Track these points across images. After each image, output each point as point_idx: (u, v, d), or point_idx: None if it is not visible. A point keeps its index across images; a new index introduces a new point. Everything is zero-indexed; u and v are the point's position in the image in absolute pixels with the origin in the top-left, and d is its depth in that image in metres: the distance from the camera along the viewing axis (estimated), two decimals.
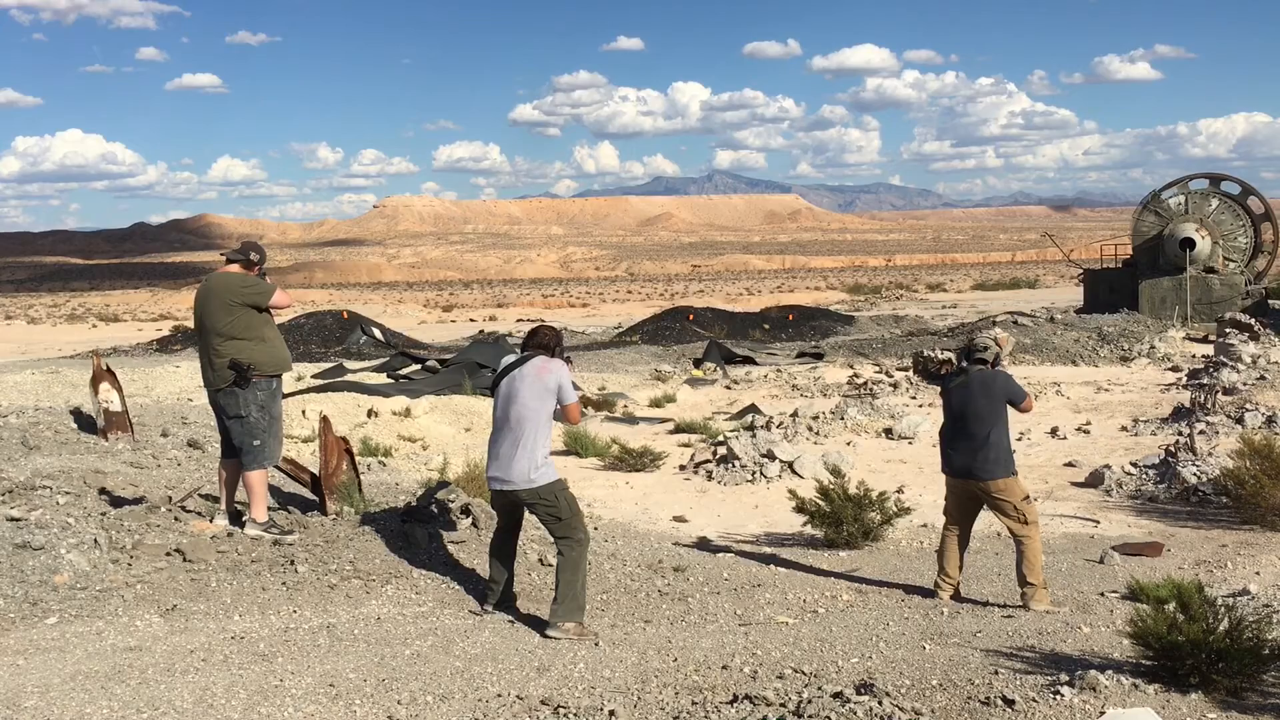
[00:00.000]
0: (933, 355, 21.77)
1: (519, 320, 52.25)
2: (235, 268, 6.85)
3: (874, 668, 5.06)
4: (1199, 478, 10.83)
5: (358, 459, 8.68)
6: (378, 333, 36.69)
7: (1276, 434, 11.88)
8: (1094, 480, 11.72)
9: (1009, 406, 7.05)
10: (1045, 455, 13.73)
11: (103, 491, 7.56)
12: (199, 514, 6.97)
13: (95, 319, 60.61)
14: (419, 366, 23.92)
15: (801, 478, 12.05)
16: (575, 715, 4.41)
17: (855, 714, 4.10)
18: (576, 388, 6.32)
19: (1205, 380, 18.81)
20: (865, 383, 20.75)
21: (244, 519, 6.77)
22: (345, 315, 38.54)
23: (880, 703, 4.22)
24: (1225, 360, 21.23)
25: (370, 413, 15.70)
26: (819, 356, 29.18)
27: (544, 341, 6.16)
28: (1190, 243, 33.36)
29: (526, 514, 6.19)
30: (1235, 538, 9.14)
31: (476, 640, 5.54)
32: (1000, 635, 5.84)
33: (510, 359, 6.22)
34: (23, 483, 7.25)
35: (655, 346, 33.00)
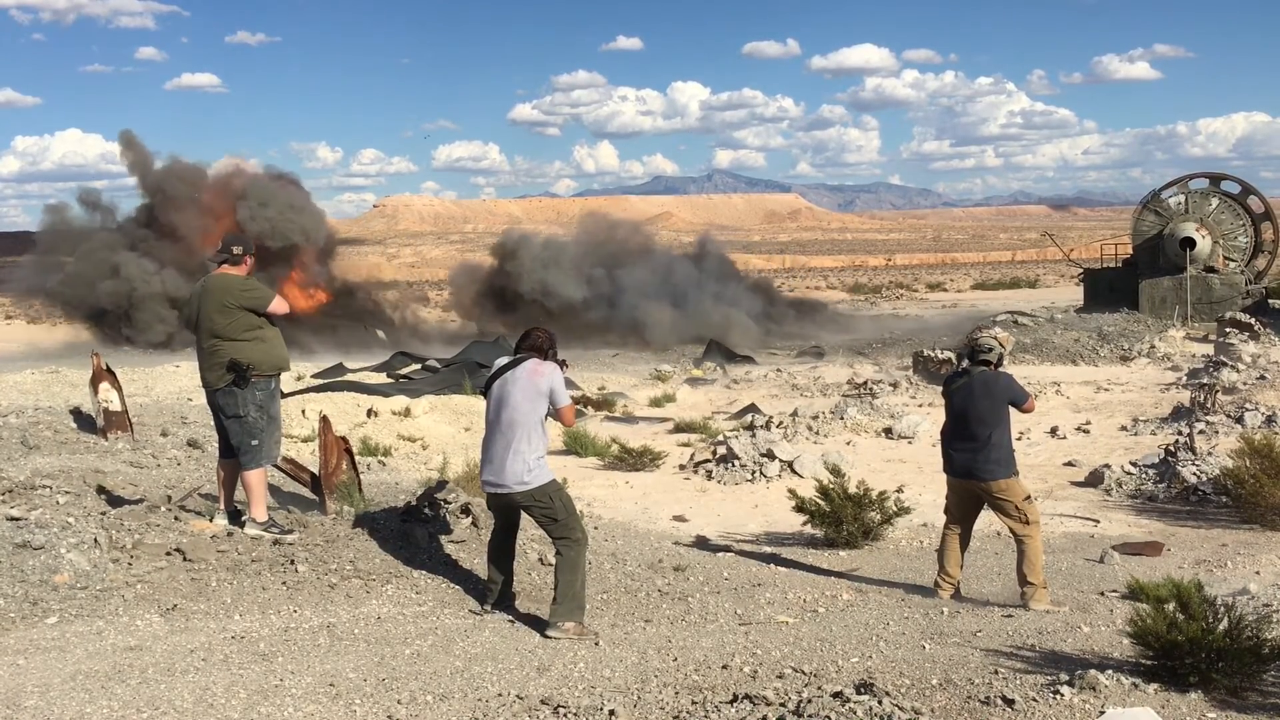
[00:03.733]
0: (933, 355, 21.77)
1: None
2: (227, 268, 6.78)
3: (874, 667, 5.06)
4: (1199, 477, 10.83)
5: (357, 459, 8.69)
6: (381, 334, 36.80)
7: (1276, 433, 11.88)
8: (1094, 480, 11.72)
9: (1011, 407, 7.05)
10: (1045, 455, 13.73)
11: (102, 491, 7.57)
12: (199, 513, 6.97)
13: None
14: (419, 366, 23.93)
15: (801, 477, 12.05)
16: (575, 715, 4.41)
17: (855, 713, 4.10)
18: (575, 388, 6.31)
19: (1205, 380, 18.80)
20: (865, 382, 20.75)
21: (244, 519, 6.76)
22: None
23: (880, 702, 4.22)
24: (1225, 360, 21.23)
25: (370, 412, 15.71)
26: (819, 356, 29.20)
27: (537, 344, 6.11)
28: (1190, 242, 33.32)
29: (524, 514, 6.18)
30: (1235, 537, 9.15)
31: (476, 640, 5.54)
32: (1000, 635, 5.84)
33: (503, 361, 6.17)
34: (23, 482, 7.25)
35: (655, 345, 32.98)
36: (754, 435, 13.59)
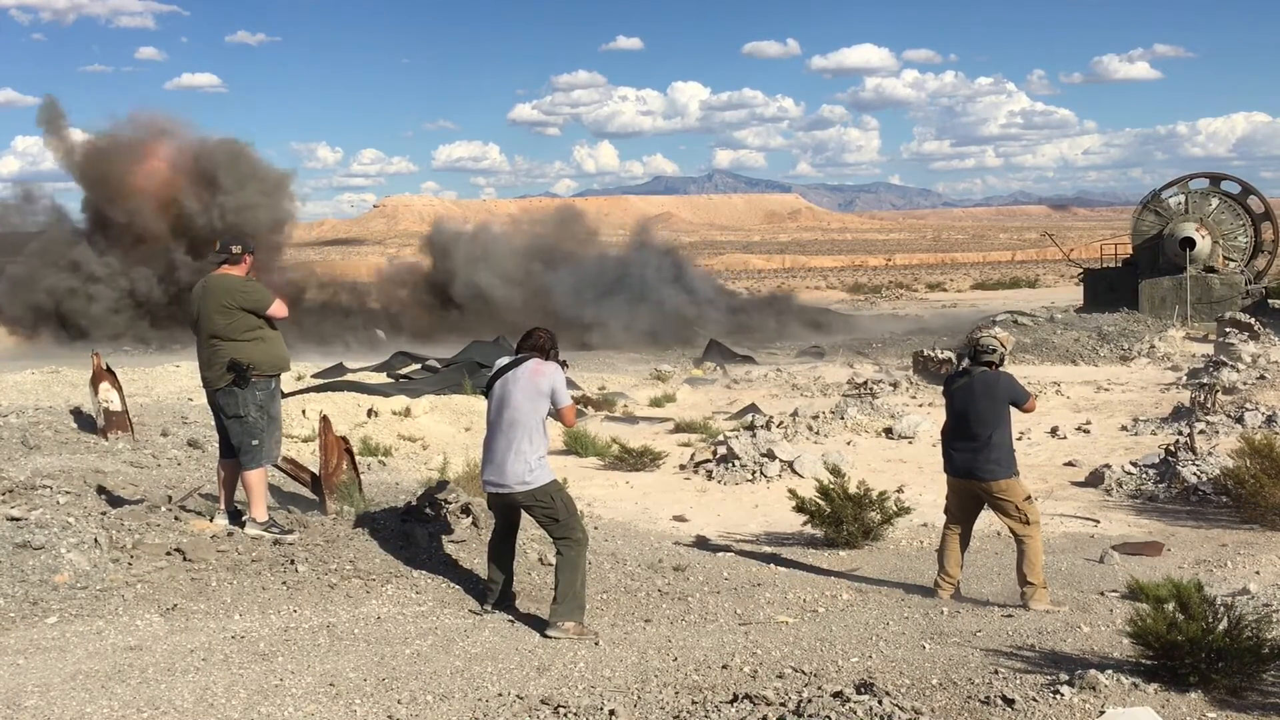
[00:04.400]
0: (933, 355, 21.77)
1: None
2: (226, 268, 6.78)
3: (874, 667, 5.06)
4: (1199, 477, 10.83)
5: (358, 458, 8.69)
6: (381, 333, 36.70)
7: (1276, 433, 11.88)
8: (1094, 480, 11.72)
9: (1012, 407, 7.05)
10: (1045, 455, 13.73)
11: (102, 491, 7.57)
12: (199, 513, 6.97)
13: None
14: (419, 366, 23.92)
15: (801, 477, 12.05)
16: (575, 715, 4.41)
17: (855, 713, 4.10)
18: (575, 388, 6.31)
19: (1205, 380, 18.81)
20: (865, 382, 20.75)
21: (244, 519, 6.77)
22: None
23: (880, 702, 4.22)
24: (1225, 360, 21.23)
25: (370, 412, 15.70)
26: (819, 356, 29.20)
27: (538, 343, 6.12)
28: (1190, 242, 33.33)
29: (525, 514, 6.18)
30: (1235, 537, 9.15)
31: (476, 640, 5.54)
32: (1000, 634, 5.84)
33: (504, 360, 6.18)
34: (23, 482, 7.25)
35: (655, 346, 32.95)
36: (754, 435, 13.59)
